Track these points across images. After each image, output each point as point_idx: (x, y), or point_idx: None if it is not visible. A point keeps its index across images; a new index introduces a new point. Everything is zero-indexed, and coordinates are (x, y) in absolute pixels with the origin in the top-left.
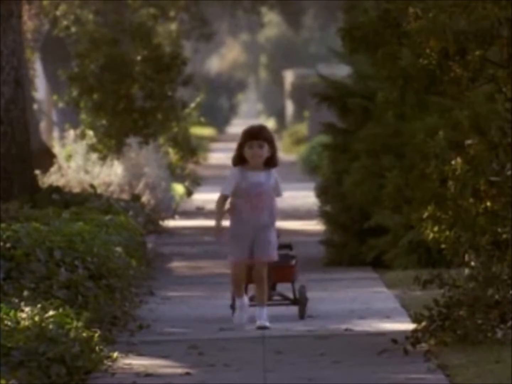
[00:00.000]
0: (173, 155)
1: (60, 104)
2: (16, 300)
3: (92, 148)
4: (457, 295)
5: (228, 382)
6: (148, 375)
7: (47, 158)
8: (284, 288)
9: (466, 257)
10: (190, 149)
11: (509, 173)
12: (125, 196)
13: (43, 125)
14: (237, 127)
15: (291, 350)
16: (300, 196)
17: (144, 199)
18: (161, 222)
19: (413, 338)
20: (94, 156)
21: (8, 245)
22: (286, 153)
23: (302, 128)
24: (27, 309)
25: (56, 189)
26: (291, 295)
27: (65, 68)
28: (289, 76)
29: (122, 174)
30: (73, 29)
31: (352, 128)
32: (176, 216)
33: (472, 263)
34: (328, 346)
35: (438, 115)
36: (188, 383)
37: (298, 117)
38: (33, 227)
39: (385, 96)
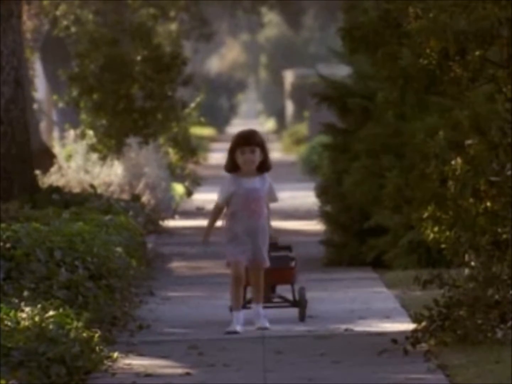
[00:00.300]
0: (173, 155)
1: (60, 104)
2: (16, 300)
3: (92, 148)
4: (457, 295)
5: (228, 382)
6: (148, 375)
7: (47, 158)
8: (283, 289)
9: (466, 257)
10: (190, 149)
11: (509, 173)
12: (125, 196)
13: (43, 125)
14: (237, 127)
15: (291, 350)
16: (300, 196)
17: (144, 199)
18: (161, 222)
19: (413, 338)
20: (94, 156)
21: (8, 245)
22: (286, 153)
23: (302, 128)
24: (27, 309)
25: (56, 189)
26: (290, 297)
27: (65, 68)
28: (289, 76)
29: (122, 174)
30: (73, 29)
31: (352, 128)
32: (176, 216)
33: (472, 263)
34: (328, 346)
35: (438, 115)
36: (188, 383)
37: (298, 117)
38: (33, 227)
39: (385, 96)
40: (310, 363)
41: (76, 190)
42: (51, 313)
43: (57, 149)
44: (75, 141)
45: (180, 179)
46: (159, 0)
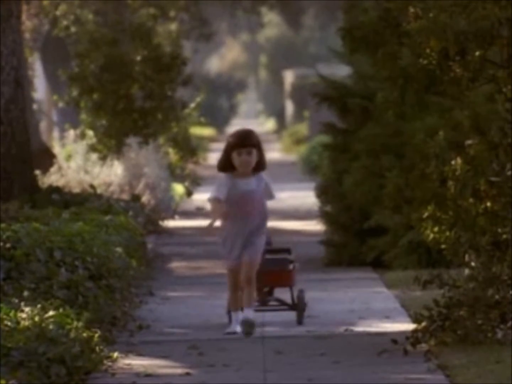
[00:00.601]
0: (173, 155)
1: (60, 104)
2: (16, 300)
3: (92, 148)
4: (457, 296)
5: (228, 382)
6: (148, 375)
7: (47, 158)
8: (282, 292)
9: (466, 257)
10: (190, 149)
11: (509, 173)
12: (125, 196)
13: (43, 125)
14: (237, 127)
15: (291, 350)
16: (300, 196)
17: (144, 199)
18: (161, 222)
19: (413, 338)
20: (94, 156)
21: (8, 245)
22: (286, 153)
23: (302, 128)
24: (27, 309)
25: (56, 189)
26: (288, 300)
27: (65, 68)
28: (289, 76)
29: (122, 174)
30: (73, 29)
31: (352, 128)
32: (176, 216)
33: (472, 263)
34: (328, 346)
35: (438, 115)
36: (188, 383)
37: (298, 117)
38: (33, 227)
39: (385, 96)
40: (310, 363)
41: (76, 190)
42: (51, 313)
43: (57, 149)
44: (75, 141)
45: (180, 179)
46: (159, 0)
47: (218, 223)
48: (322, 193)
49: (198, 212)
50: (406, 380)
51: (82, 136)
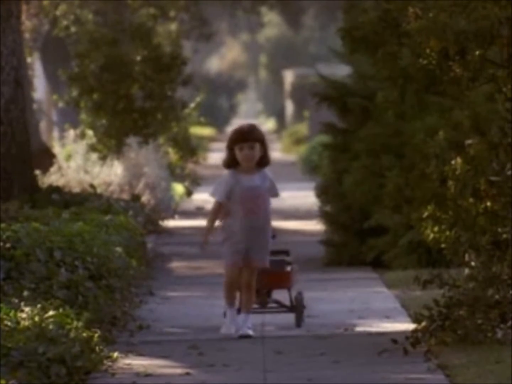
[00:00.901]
0: (173, 155)
1: (60, 104)
2: (16, 300)
3: (92, 148)
4: (457, 295)
5: (228, 382)
6: (148, 375)
7: (47, 158)
8: (281, 294)
9: (466, 257)
10: (190, 149)
11: (509, 173)
12: (125, 196)
13: (43, 125)
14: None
15: (291, 350)
16: (300, 196)
17: (144, 199)
18: (161, 222)
19: (413, 338)
20: (94, 156)
21: (8, 245)
22: (286, 153)
23: (302, 128)
24: (27, 309)
25: (56, 189)
26: (287, 302)
27: (65, 68)
28: (289, 76)
29: (122, 174)
30: (73, 29)
31: (352, 128)
32: (176, 216)
33: (472, 263)
34: (328, 346)
35: (438, 115)
36: (188, 383)
37: (298, 117)
38: (33, 227)
39: (385, 96)
40: (310, 363)
41: (76, 190)
42: (51, 313)
43: (57, 149)
44: (75, 141)
45: (180, 179)
46: (159, 0)
47: (217, 223)
48: (322, 193)
49: (198, 212)
50: (406, 380)
51: (82, 136)
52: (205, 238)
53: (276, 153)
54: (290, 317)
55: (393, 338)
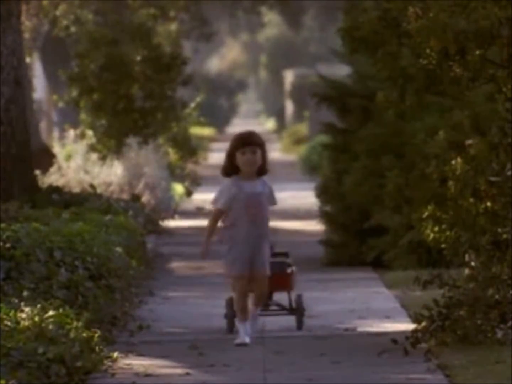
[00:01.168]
0: (172, 155)
1: (60, 104)
2: (16, 300)
3: (92, 148)
4: (457, 295)
5: (228, 383)
6: (148, 375)
7: (47, 158)
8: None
9: (466, 257)
10: (190, 149)
11: (509, 173)
12: (125, 196)
13: (43, 125)
14: (237, 127)
15: (291, 350)
16: (300, 196)
17: (144, 199)
18: (161, 222)
19: (413, 338)
20: (94, 156)
21: (8, 245)
22: (286, 153)
23: (302, 128)
24: (27, 309)
25: (56, 189)
26: (287, 304)
27: (65, 68)
28: (289, 76)
29: (122, 174)
30: (73, 29)
31: (352, 128)
32: (176, 216)
33: (472, 263)
34: (328, 346)
35: (438, 115)
36: (188, 383)
37: (298, 117)
38: (33, 227)
39: (385, 96)
40: (310, 363)
41: (76, 190)
42: (51, 313)
43: (57, 149)
44: (75, 141)
45: (180, 179)
46: (159, 0)
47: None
48: (322, 193)
49: (198, 212)
50: (406, 380)
51: (82, 136)
52: (204, 248)
53: (276, 153)
54: (291, 318)
55: (393, 338)
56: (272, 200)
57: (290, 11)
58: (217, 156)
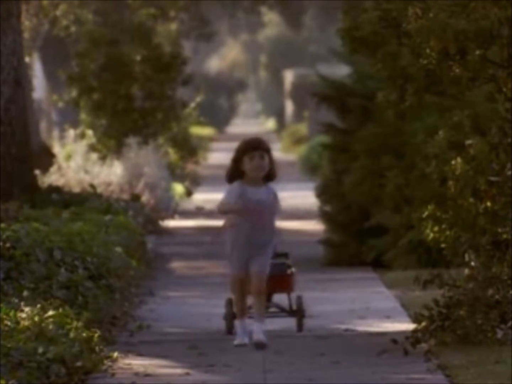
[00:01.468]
0: (172, 155)
1: (60, 104)
2: (16, 300)
3: (92, 148)
4: (457, 295)
5: (228, 383)
6: (147, 375)
7: (47, 158)
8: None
9: (466, 257)
10: (190, 149)
11: (509, 173)
12: (125, 196)
13: (43, 125)
14: (237, 127)
15: (291, 350)
16: (300, 196)
17: (144, 199)
18: (160, 222)
19: (413, 338)
20: (94, 156)
21: (8, 245)
22: (286, 153)
23: (302, 128)
24: (27, 309)
25: (56, 189)
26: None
27: (65, 68)
28: (289, 76)
29: (122, 174)
30: (73, 29)
31: (352, 128)
32: (176, 216)
33: (472, 263)
34: (328, 346)
35: (438, 115)
36: (188, 383)
37: (298, 117)
38: (33, 227)
39: (385, 96)
40: (310, 363)
41: (76, 190)
42: (50, 313)
43: (57, 149)
44: (75, 141)
45: (180, 179)
46: (159, 0)
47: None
48: (322, 193)
49: (198, 212)
50: (406, 380)
51: (82, 136)
52: (229, 209)
53: (276, 153)
54: (291, 319)
55: (393, 338)
56: (276, 208)
57: (290, 11)
58: (217, 156)
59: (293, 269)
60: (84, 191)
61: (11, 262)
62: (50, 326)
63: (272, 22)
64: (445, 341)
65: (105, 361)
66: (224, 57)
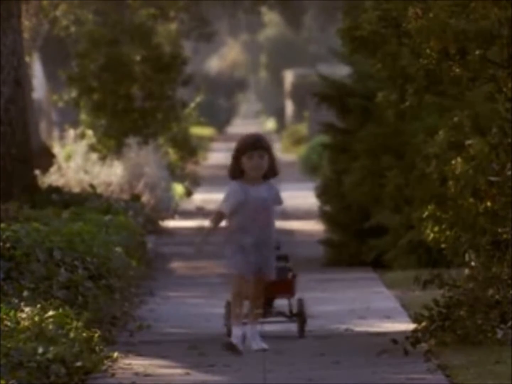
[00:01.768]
0: (172, 155)
1: (60, 104)
2: (16, 300)
3: (92, 148)
4: (457, 295)
5: (228, 383)
6: (147, 375)
7: (47, 158)
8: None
9: (466, 257)
10: (190, 149)
11: (509, 173)
12: (125, 196)
13: (43, 125)
14: (237, 127)
15: (291, 350)
16: (300, 196)
17: (144, 199)
18: (160, 222)
19: (413, 338)
20: (93, 156)
21: (8, 245)
22: (286, 153)
23: (302, 128)
24: (27, 309)
25: (56, 189)
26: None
27: (65, 68)
28: (289, 76)
29: (122, 174)
30: (72, 29)
31: (352, 128)
32: (176, 216)
33: (472, 263)
34: (328, 346)
35: (438, 115)
36: (188, 383)
37: (298, 117)
38: (33, 227)
39: (385, 96)
40: (310, 363)
41: (76, 190)
42: (50, 313)
43: (57, 149)
44: (75, 141)
45: (180, 179)
46: (159, 0)
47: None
48: (322, 193)
49: (198, 212)
50: (406, 380)
51: (82, 136)
52: (199, 244)
53: (276, 153)
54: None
55: (393, 338)
56: (278, 201)
57: (290, 11)
58: (217, 156)
59: (294, 273)
60: (84, 191)
61: (11, 262)
62: (50, 326)
63: (272, 22)
64: (445, 341)
65: (105, 361)
66: (224, 57)
